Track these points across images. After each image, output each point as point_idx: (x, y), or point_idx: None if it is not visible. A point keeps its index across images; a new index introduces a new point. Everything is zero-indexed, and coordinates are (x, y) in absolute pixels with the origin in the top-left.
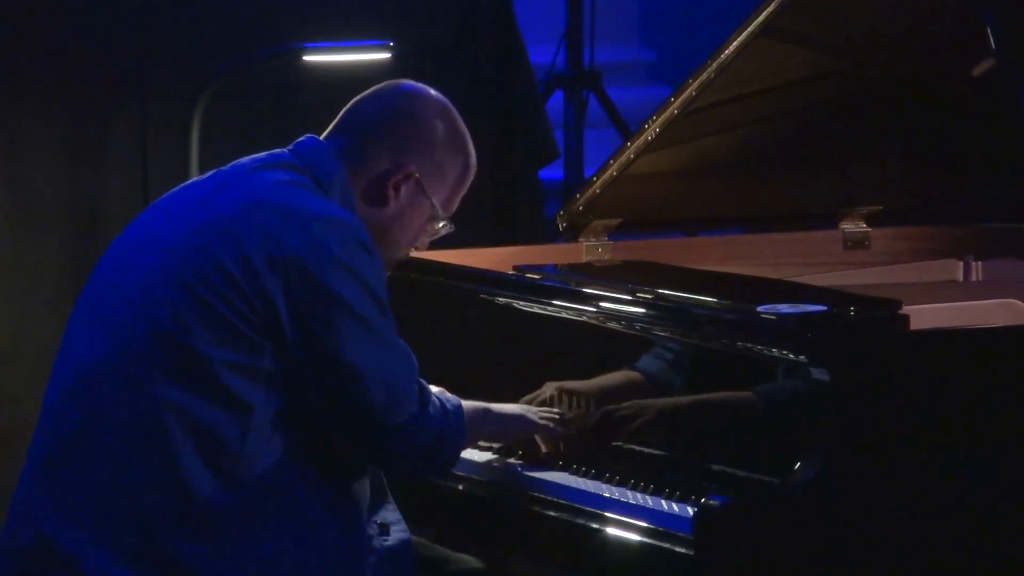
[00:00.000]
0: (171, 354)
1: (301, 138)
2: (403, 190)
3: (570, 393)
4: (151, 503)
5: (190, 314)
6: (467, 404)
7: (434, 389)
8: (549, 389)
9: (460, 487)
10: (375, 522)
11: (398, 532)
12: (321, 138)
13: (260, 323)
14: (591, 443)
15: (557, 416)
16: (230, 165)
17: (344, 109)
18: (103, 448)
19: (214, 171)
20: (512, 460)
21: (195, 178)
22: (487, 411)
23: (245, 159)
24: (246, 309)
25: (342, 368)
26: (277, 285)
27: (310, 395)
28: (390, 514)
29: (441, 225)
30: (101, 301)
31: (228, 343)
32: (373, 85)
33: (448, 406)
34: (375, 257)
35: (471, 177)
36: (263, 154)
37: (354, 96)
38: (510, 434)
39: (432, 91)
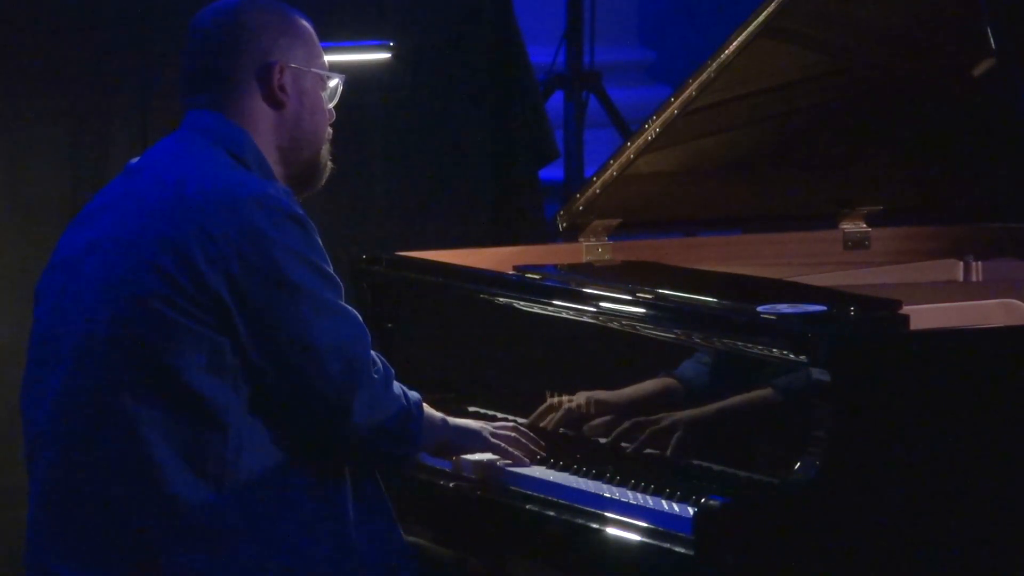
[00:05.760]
0: (136, 372)
1: (187, 116)
2: (286, 84)
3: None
4: (146, 523)
5: (146, 328)
6: (426, 408)
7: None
8: (580, 398)
9: (458, 487)
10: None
11: (392, 532)
12: (190, 110)
13: (213, 320)
14: (589, 443)
15: (513, 436)
16: (145, 156)
17: (181, 71)
18: (90, 477)
19: (127, 170)
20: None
21: (114, 179)
22: (444, 420)
23: (157, 149)
24: (197, 310)
25: (295, 347)
26: (221, 281)
27: (270, 383)
28: (383, 514)
29: (334, 83)
30: (56, 330)
31: (190, 348)
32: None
33: (409, 394)
34: (307, 225)
35: (311, 24)
36: (175, 139)
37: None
38: (463, 448)
39: (223, 2)
